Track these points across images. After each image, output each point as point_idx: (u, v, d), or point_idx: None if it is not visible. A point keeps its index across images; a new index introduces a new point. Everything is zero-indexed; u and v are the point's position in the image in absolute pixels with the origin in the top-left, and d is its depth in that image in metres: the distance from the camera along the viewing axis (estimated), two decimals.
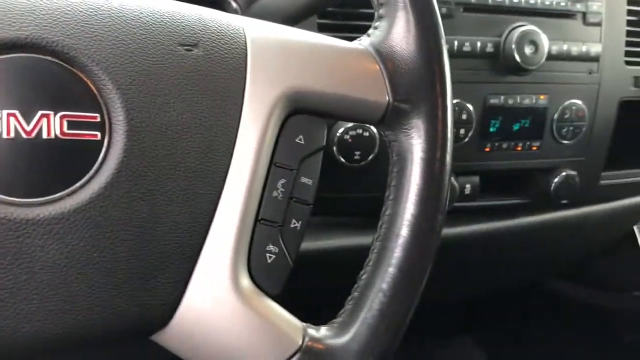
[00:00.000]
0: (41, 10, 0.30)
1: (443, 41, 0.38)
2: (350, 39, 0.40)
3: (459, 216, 0.80)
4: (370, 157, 0.67)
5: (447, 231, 0.79)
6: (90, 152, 0.31)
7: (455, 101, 0.72)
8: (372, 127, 0.66)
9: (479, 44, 0.73)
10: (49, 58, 0.30)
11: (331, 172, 0.68)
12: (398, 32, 0.38)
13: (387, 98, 0.37)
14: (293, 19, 0.58)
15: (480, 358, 1.30)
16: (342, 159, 0.66)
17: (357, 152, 0.67)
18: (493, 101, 0.75)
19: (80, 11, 0.31)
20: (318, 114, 0.37)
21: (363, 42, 0.39)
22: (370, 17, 0.41)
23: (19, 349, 0.31)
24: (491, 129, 0.76)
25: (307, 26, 0.64)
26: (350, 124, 0.65)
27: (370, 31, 0.40)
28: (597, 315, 1.15)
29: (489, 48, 0.74)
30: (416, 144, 0.37)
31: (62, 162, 0.30)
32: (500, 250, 0.89)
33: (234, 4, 0.63)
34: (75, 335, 0.31)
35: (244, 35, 0.36)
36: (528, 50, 0.73)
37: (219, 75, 0.34)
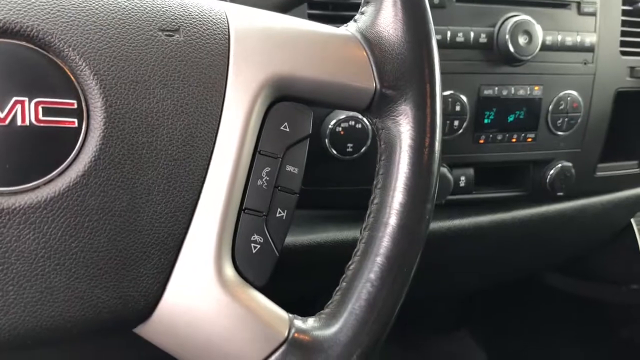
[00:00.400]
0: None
1: (431, 26, 0.38)
2: None
3: (454, 209, 0.80)
4: (363, 149, 0.66)
5: (442, 224, 0.78)
6: (67, 140, 0.30)
7: (448, 92, 0.72)
8: (365, 119, 0.65)
9: (472, 34, 0.72)
10: (24, 43, 0.29)
11: (323, 164, 0.67)
12: (385, 17, 0.37)
13: (374, 84, 0.37)
14: (282, 7, 0.57)
15: (478, 352, 1.29)
16: (334, 152, 0.65)
17: (350, 145, 0.66)
18: (487, 92, 0.74)
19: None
20: (303, 101, 0.36)
21: (349, 28, 0.39)
22: None
23: None
24: (485, 121, 0.75)
25: (297, 16, 0.63)
26: (342, 116, 0.65)
27: (357, 16, 0.39)
28: (593, 308, 1.14)
29: (483, 38, 0.73)
30: (404, 131, 0.36)
31: (39, 150, 0.29)
32: (496, 243, 0.88)
33: None
34: (54, 328, 0.31)
35: (227, 21, 0.35)
36: (522, 40, 0.72)
37: (200, 62, 0.33)
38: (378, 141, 0.38)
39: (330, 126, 0.65)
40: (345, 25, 0.39)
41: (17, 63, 0.29)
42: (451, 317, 1.35)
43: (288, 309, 0.36)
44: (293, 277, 0.54)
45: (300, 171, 0.36)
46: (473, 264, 0.95)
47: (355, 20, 0.39)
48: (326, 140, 0.65)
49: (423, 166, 0.36)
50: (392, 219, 0.36)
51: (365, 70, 0.37)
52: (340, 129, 0.65)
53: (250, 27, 0.35)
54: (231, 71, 0.34)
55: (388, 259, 0.35)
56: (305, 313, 0.38)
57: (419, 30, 0.37)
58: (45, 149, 0.29)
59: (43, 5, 0.30)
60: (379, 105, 0.37)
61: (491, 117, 0.76)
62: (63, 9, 0.30)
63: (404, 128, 0.36)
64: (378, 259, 0.35)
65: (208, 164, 0.33)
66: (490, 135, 0.76)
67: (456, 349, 1.31)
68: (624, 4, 0.82)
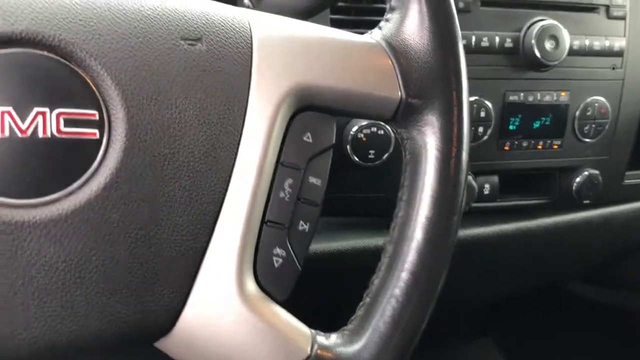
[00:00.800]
0: (37, 4, 0.29)
1: (458, 34, 0.37)
2: None
3: (478, 217, 0.78)
4: (385, 156, 0.65)
5: (466, 232, 0.77)
6: (88, 151, 0.30)
7: (473, 98, 0.70)
8: (387, 125, 0.64)
9: (497, 39, 0.71)
10: (45, 53, 0.29)
11: (345, 171, 0.66)
12: (411, 25, 0.36)
13: (399, 93, 0.36)
14: (305, 14, 0.56)
15: (500, 359, 1.27)
16: (356, 158, 0.65)
17: (372, 151, 0.65)
18: (512, 98, 0.73)
19: (77, 4, 0.30)
20: (327, 111, 0.35)
21: (374, 36, 0.38)
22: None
23: (16, 356, 0.30)
24: (511, 127, 0.74)
25: (320, 22, 0.62)
26: (364, 122, 0.64)
27: (381, 24, 0.38)
28: (618, 316, 1.12)
29: (508, 43, 0.71)
30: (430, 141, 0.35)
31: (59, 162, 0.29)
32: (521, 251, 0.86)
33: (246, 0, 0.62)
34: (75, 342, 0.30)
35: (250, 29, 0.34)
36: (548, 45, 0.70)
37: (222, 71, 0.33)
38: (403, 151, 0.37)
39: (352, 132, 0.64)
40: (369, 32, 0.39)
41: (39, 73, 0.29)
42: (473, 324, 1.33)
43: (308, 322, 0.36)
44: (312, 288, 0.53)
45: (323, 183, 0.35)
46: (497, 272, 0.93)
47: (379, 28, 0.38)
48: (348, 147, 0.64)
49: (450, 177, 0.35)
50: (418, 233, 0.35)
51: (390, 79, 0.36)
52: (362, 135, 0.64)
53: (273, 35, 0.35)
54: (254, 81, 0.33)
55: (413, 275, 0.34)
56: (325, 326, 0.37)
57: (446, 38, 0.36)
58: (66, 160, 0.29)
59: (65, 15, 0.29)
60: (404, 115, 0.36)
61: (516, 123, 0.74)
62: (85, 19, 0.30)
63: (430, 138, 0.35)
64: (403, 275, 0.34)
65: (230, 176, 0.32)
66: (516, 142, 0.74)
67: (478, 356, 1.29)
68: None
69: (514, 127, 0.74)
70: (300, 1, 0.55)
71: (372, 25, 0.39)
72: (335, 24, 0.65)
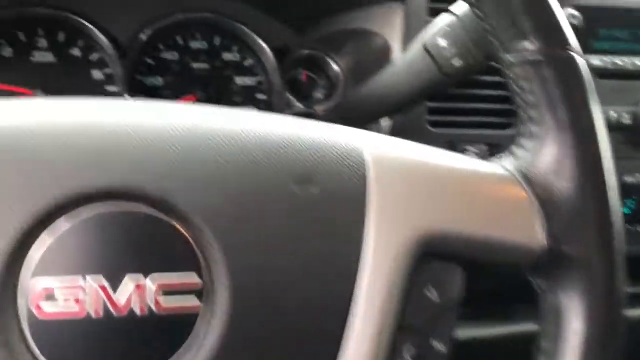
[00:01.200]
0: (135, 154, 0.26)
1: (610, 170, 0.31)
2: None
3: None
4: None
5: None
6: (189, 325, 0.26)
7: None
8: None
9: (613, 114, 0.64)
10: (143, 208, 0.26)
11: None
12: (553, 155, 0.31)
13: (541, 239, 0.30)
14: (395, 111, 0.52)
15: None
16: None
17: None
18: (629, 180, 0.65)
19: (177, 154, 0.27)
20: (454, 260, 0.30)
21: (506, 164, 0.33)
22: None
23: None
24: (625, 210, 0.66)
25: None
26: None
27: (514, 149, 0.33)
28: None
29: (625, 119, 0.64)
30: (578, 302, 0.30)
31: (155, 339, 0.25)
32: None
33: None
34: None
35: (364, 162, 0.30)
36: None
37: (336, 216, 0.28)
38: (540, 303, 0.32)
39: None
40: (498, 158, 0.33)
41: (134, 232, 0.25)
42: None
43: None
44: None
45: (447, 347, 0.30)
46: None
47: (512, 154, 0.33)
48: None
49: (602, 349, 0.29)
50: None
51: (529, 220, 0.31)
52: None
53: (392, 172, 0.30)
54: (370, 226, 0.29)
55: None
56: None
57: (596, 176, 0.31)
58: (162, 337, 0.25)
59: (164, 165, 0.26)
60: (547, 265, 0.31)
61: (632, 206, 0.66)
62: (187, 168, 0.26)
63: (579, 298, 0.30)
64: None
65: (342, 338, 0.28)
66: (630, 227, 0.67)
67: None
68: None
69: (630, 211, 0.66)
70: (389, 99, 0.51)
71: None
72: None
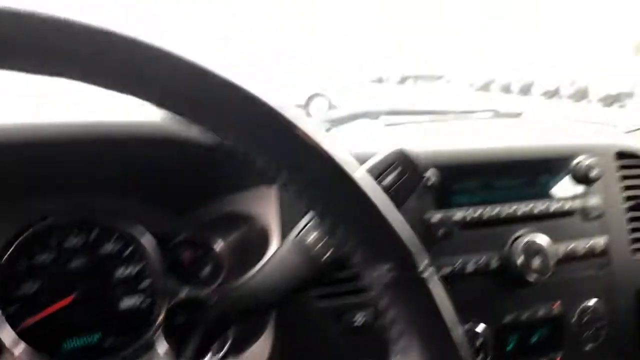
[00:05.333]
0: None
1: None
2: None
3: None
4: None
5: None
6: None
7: (466, 327, 0.67)
8: None
9: (482, 260, 0.69)
10: None
11: None
12: None
13: None
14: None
15: None
16: None
17: None
18: (507, 318, 0.70)
19: None
20: None
21: None
22: None
23: None
24: (508, 348, 0.70)
25: None
26: None
27: None
28: None
29: (494, 264, 0.69)
30: None
31: None
32: None
33: None
34: None
35: None
36: (536, 262, 0.68)
37: None
38: None
39: None
40: None
41: None
42: None
43: None
44: None
45: None
46: None
47: None
48: None
49: None
50: None
51: None
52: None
53: None
54: None
55: None
56: None
57: None
58: None
59: None
60: None
61: (513, 342, 0.70)
62: None
63: None
64: None
65: None
66: None
67: None
68: (626, 202, 0.80)
69: (511, 347, 0.70)
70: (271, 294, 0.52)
71: None
72: None
